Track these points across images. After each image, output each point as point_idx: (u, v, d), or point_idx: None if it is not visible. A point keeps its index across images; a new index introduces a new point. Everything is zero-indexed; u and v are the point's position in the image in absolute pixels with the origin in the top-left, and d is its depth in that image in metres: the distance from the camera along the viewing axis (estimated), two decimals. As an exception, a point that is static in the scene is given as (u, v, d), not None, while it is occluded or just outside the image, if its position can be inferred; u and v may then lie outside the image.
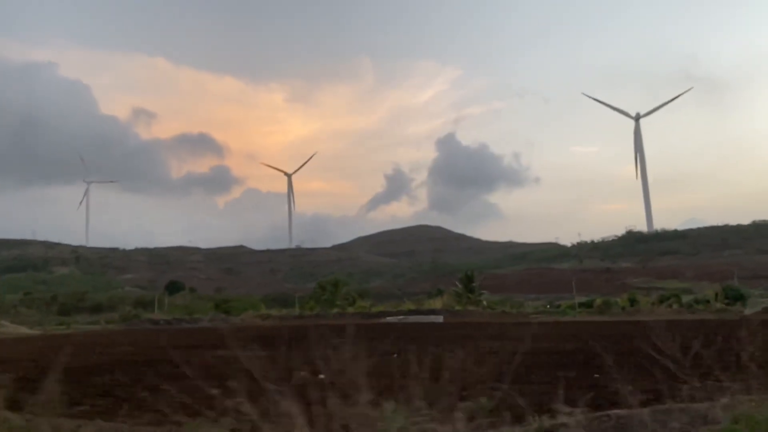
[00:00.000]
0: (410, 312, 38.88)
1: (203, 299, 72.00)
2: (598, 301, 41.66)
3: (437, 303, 45.53)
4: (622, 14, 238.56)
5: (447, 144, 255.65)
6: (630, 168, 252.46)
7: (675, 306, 39.47)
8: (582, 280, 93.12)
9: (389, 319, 34.55)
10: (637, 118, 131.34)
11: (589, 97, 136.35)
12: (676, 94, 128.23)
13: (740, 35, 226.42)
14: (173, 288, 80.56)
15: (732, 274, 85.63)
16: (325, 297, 57.57)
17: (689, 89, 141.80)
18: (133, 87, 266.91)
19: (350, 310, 50.45)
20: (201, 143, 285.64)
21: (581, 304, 43.55)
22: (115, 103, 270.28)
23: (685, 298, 47.73)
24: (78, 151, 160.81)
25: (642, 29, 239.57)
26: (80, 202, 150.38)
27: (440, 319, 33.05)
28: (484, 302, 46.97)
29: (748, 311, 33.14)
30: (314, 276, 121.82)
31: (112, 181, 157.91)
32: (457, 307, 42.05)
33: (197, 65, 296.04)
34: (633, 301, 41.41)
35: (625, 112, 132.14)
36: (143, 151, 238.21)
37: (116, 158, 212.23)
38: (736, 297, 42.94)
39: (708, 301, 39.63)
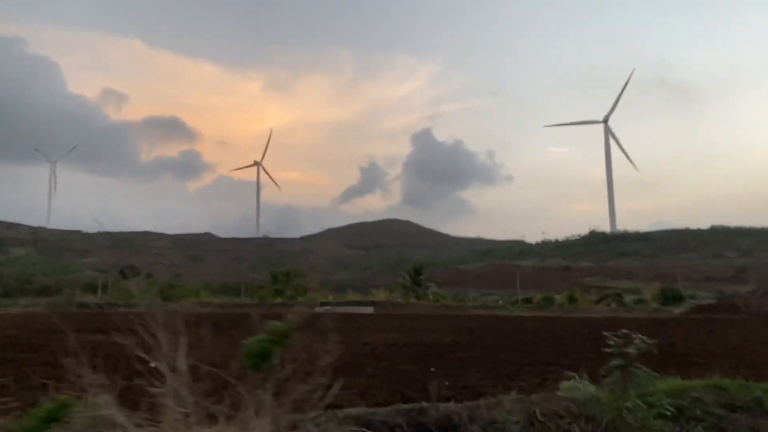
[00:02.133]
0: (348, 303, 38.94)
1: (158, 285, 70.89)
2: (538, 297, 42.20)
3: (382, 295, 45.60)
4: (599, 18, 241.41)
5: (423, 139, 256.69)
6: (600, 170, 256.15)
7: (613, 305, 40.10)
8: (541, 277, 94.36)
9: (317, 309, 34.56)
10: (605, 120, 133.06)
11: (551, 125, 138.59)
12: (624, 84, 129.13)
13: (714, 42, 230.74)
14: (129, 272, 79.24)
15: (683, 276, 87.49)
16: (277, 287, 57.40)
17: (633, 71, 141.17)
18: (106, 68, 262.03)
19: (301, 299, 50.34)
20: (171, 127, 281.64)
21: (523, 300, 44.04)
22: (85, 82, 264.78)
23: (629, 298, 48.72)
24: (40, 136, 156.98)
25: (617, 34, 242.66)
26: (54, 187, 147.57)
27: (370, 310, 33.13)
28: (430, 295, 47.22)
29: (678, 310, 33.88)
30: (279, 266, 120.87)
31: (74, 148, 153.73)
32: (400, 300, 42.16)
33: (174, 49, 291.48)
34: (572, 299, 41.99)
35: (592, 121, 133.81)
36: (112, 132, 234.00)
37: (83, 138, 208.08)
38: (676, 298, 43.85)
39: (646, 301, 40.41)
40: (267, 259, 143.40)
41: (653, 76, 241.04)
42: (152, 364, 9.84)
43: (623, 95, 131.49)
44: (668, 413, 3.85)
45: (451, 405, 4.97)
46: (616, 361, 3.65)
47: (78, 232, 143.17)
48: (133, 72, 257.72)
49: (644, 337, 3.62)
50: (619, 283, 75.22)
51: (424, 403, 4.92)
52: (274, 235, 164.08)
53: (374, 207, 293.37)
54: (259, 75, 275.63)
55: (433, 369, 8.85)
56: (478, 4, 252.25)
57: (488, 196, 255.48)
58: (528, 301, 42.77)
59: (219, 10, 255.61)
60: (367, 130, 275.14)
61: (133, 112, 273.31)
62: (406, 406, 4.81)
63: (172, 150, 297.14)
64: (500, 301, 53.67)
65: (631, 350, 3.53)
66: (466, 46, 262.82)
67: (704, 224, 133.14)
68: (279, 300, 45.10)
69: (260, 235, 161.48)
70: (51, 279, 66.45)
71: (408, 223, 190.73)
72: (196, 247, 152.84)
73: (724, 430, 5.01)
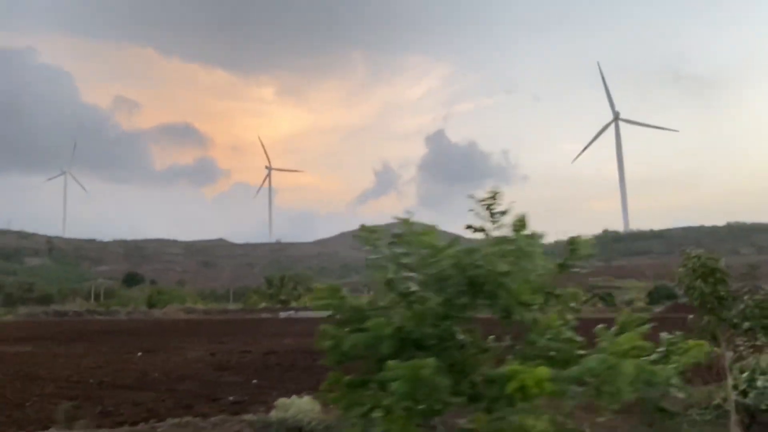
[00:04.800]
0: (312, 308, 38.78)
1: (160, 292, 71.41)
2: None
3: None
4: (612, 12, 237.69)
5: (436, 140, 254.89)
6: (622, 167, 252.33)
7: (600, 305, 39.13)
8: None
9: (281, 314, 34.34)
10: (616, 117, 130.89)
11: (577, 156, 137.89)
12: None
13: (731, 35, 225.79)
14: (132, 280, 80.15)
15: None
16: (271, 291, 57.40)
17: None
18: (120, 76, 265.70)
19: (294, 304, 50.27)
20: (184, 134, 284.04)
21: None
22: (98, 91, 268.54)
23: (627, 297, 47.81)
24: (53, 146, 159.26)
25: (631, 27, 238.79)
26: (50, 179, 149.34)
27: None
28: (418, 297, 46.61)
29: (658, 309, 32.93)
30: (291, 270, 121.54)
31: (74, 147, 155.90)
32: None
33: (188, 57, 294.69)
34: (559, 299, 41.08)
35: (606, 125, 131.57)
36: (125, 140, 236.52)
37: (98, 147, 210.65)
38: (669, 296, 42.68)
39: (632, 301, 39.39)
40: (279, 264, 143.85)
41: (669, 69, 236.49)
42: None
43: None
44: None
45: None
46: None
47: (93, 241, 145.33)
48: (146, 80, 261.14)
49: None
50: (625, 282, 73.62)
51: None
52: (287, 239, 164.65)
53: (390, 209, 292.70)
54: (272, 80, 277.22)
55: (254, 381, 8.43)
56: (490, 4, 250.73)
57: (505, 195, 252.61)
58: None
59: (232, 17, 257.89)
60: (381, 133, 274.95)
61: (146, 119, 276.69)
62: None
63: (186, 157, 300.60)
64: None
65: None
66: (478, 45, 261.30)
67: (721, 221, 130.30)
68: (263, 305, 44.91)
69: (273, 240, 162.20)
70: (53, 287, 67.29)
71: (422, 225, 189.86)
72: (209, 253, 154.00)
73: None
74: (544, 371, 2.57)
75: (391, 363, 2.66)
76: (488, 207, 3.39)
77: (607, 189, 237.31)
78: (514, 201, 3.61)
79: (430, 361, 2.64)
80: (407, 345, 2.91)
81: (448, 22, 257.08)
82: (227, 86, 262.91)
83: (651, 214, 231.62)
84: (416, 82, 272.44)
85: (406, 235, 3.46)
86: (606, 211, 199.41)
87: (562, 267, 3.55)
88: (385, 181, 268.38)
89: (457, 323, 3.04)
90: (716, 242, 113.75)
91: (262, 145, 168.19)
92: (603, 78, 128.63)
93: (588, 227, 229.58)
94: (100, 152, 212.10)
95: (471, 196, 3.41)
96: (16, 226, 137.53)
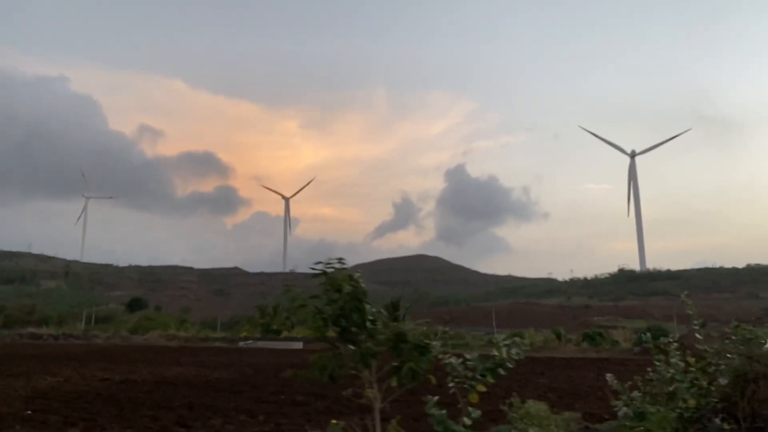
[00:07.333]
0: (275, 338, 38.46)
1: (148, 318, 71.09)
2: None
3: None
4: (635, 51, 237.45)
5: (456, 175, 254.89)
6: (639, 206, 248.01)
7: (585, 344, 37.85)
8: (559, 316, 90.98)
9: (241, 343, 33.95)
10: (632, 155, 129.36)
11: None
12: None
13: (755, 75, 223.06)
14: (135, 305, 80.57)
15: (710, 317, 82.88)
16: (262, 320, 57.09)
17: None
18: (147, 106, 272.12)
19: (285, 333, 49.98)
20: (205, 162, 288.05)
21: (495, 338, 42.16)
22: (125, 120, 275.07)
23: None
24: (80, 167, 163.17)
25: (654, 67, 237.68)
26: (78, 218, 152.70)
27: (299, 345, 32.17)
28: (405, 332, 45.82)
29: (636, 350, 31.69)
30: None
31: (110, 197, 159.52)
32: (363, 335, 41.01)
33: (215, 89, 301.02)
34: (546, 338, 39.96)
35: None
36: (147, 167, 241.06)
37: (120, 174, 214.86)
38: (662, 336, 41.26)
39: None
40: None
41: (691, 109, 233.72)
42: None
43: (663, 130, 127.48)
44: None
45: None
46: None
47: (109, 266, 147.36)
48: (172, 110, 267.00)
49: None
50: (631, 322, 71.54)
51: None
52: (302, 269, 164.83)
53: (408, 242, 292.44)
54: (296, 113, 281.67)
55: (29, 411, 8.25)
56: (512, 42, 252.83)
57: (524, 232, 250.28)
58: (497, 339, 40.88)
59: (257, 51, 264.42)
60: (401, 167, 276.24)
61: (169, 148, 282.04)
62: None
63: (207, 185, 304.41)
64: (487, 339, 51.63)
65: None
66: (500, 82, 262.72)
67: (741, 263, 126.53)
68: (244, 333, 44.67)
69: (286, 270, 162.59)
70: (54, 311, 67.89)
71: (437, 259, 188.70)
72: (223, 281, 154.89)
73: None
74: None
75: None
76: None
77: (628, 228, 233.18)
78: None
79: None
80: None
81: (469, 61, 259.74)
82: (252, 118, 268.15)
83: (671, 255, 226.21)
84: (438, 117, 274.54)
85: None
86: (625, 251, 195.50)
87: None
88: (404, 214, 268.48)
89: None
90: (735, 284, 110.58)
91: (269, 189, 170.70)
92: (594, 134, 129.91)
93: (607, 266, 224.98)
94: (122, 179, 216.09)
95: None
96: (36, 250, 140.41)
